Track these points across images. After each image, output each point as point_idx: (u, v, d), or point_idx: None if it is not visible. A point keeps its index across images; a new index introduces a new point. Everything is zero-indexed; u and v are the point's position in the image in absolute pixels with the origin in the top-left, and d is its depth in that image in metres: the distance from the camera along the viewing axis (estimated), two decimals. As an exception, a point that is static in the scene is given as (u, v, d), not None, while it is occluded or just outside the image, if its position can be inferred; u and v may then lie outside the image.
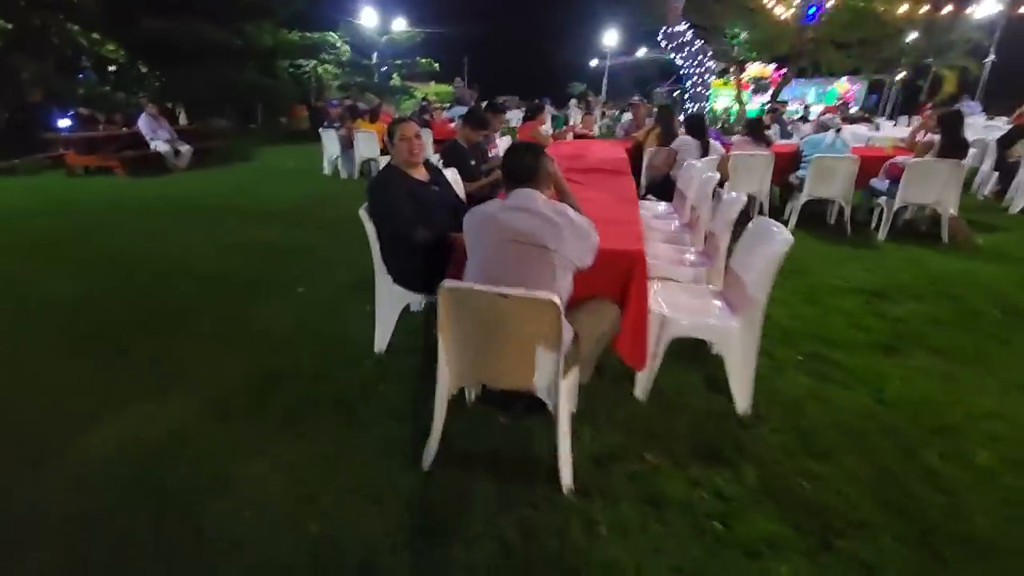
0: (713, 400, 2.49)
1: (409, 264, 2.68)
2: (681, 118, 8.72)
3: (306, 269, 4.22)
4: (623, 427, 2.29)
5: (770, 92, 17.70)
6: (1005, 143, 6.72)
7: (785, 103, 14.15)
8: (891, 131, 8.23)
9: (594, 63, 32.18)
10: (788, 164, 5.42)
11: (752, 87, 19.02)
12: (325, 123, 9.51)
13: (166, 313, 3.47)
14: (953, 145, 4.74)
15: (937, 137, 4.84)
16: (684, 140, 4.71)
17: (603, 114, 16.14)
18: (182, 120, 12.87)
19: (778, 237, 2.20)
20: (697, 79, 8.69)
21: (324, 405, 2.47)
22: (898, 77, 21.33)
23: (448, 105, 14.47)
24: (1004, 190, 6.65)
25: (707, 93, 8.82)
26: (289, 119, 17.17)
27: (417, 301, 2.86)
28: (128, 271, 4.25)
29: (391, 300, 2.81)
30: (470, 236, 1.98)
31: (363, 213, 2.70)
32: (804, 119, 11.49)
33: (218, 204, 6.70)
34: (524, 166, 1.94)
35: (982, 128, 10.53)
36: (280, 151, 12.26)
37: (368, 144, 8.13)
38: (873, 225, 5.32)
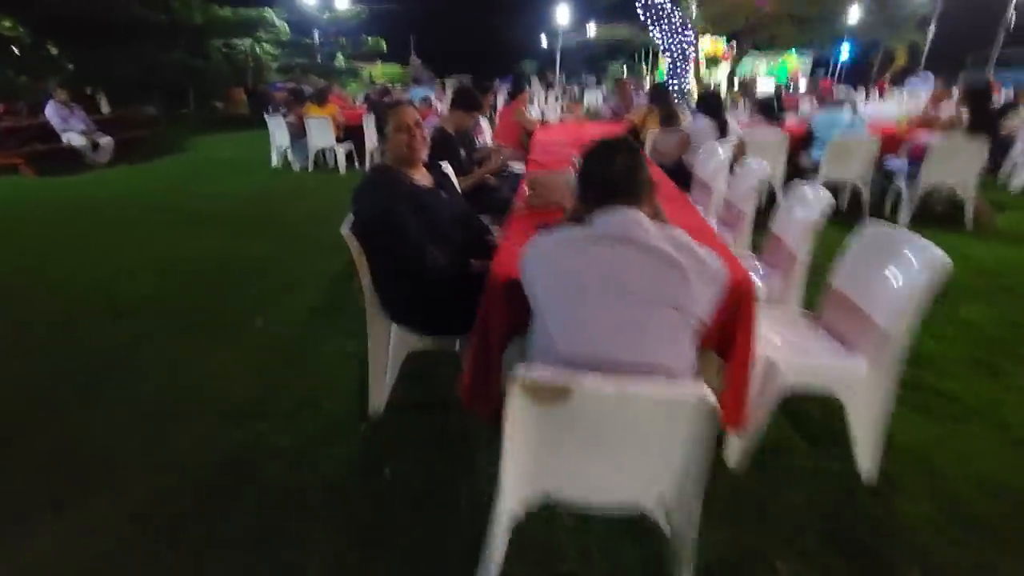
0: (823, 460, 1.95)
1: (417, 299, 2.00)
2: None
3: (263, 292, 3.43)
4: (728, 513, 1.71)
5: (721, 68, 17.49)
6: (996, 117, 6.49)
7: (754, 78, 13.87)
8: (874, 109, 7.95)
9: (544, 41, 31.30)
10: (798, 144, 4.96)
11: (704, 64, 18.75)
12: (269, 108, 8.48)
13: (76, 372, 2.58)
14: (982, 121, 4.37)
15: (963, 113, 4.44)
16: (699, 121, 4.14)
17: (563, 92, 15.51)
18: (104, 108, 11.39)
19: (926, 257, 1.66)
20: (678, 54, 8.16)
21: (309, 511, 1.77)
22: (843, 52, 21.52)
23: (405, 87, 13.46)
24: (996, 166, 6.44)
25: (688, 68, 8.34)
26: (225, 104, 15.72)
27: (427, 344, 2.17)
28: (26, 306, 3.35)
29: (390, 346, 2.12)
30: (538, 282, 1.31)
31: (346, 231, 1.99)
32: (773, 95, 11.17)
33: (148, 207, 5.69)
34: (621, 173, 1.29)
35: (850, 93, 10.46)
36: (217, 140, 11.05)
37: (322, 131, 7.22)
38: (888, 209, 4.95)
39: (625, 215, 1.25)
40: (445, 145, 3.30)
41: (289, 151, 7.61)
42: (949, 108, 5.39)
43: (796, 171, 5.04)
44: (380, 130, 2.05)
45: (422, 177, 2.10)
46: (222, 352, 2.73)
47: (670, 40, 7.92)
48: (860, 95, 13.53)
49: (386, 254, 1.97)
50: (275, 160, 7.88)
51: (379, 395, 2.17)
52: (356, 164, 7.72)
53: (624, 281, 1.19)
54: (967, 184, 4.51)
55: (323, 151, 7.59)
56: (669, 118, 4.72)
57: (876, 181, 5.01)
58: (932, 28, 18.26)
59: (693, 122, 4.21)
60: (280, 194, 6.22)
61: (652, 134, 4.51)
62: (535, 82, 13.96)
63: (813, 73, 23.45)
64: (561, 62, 28.84)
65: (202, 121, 13.58)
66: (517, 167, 4.70)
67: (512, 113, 5.27)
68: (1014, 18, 16.96)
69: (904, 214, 4.66)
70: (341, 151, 7.35)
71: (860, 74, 21.07)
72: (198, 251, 4.22)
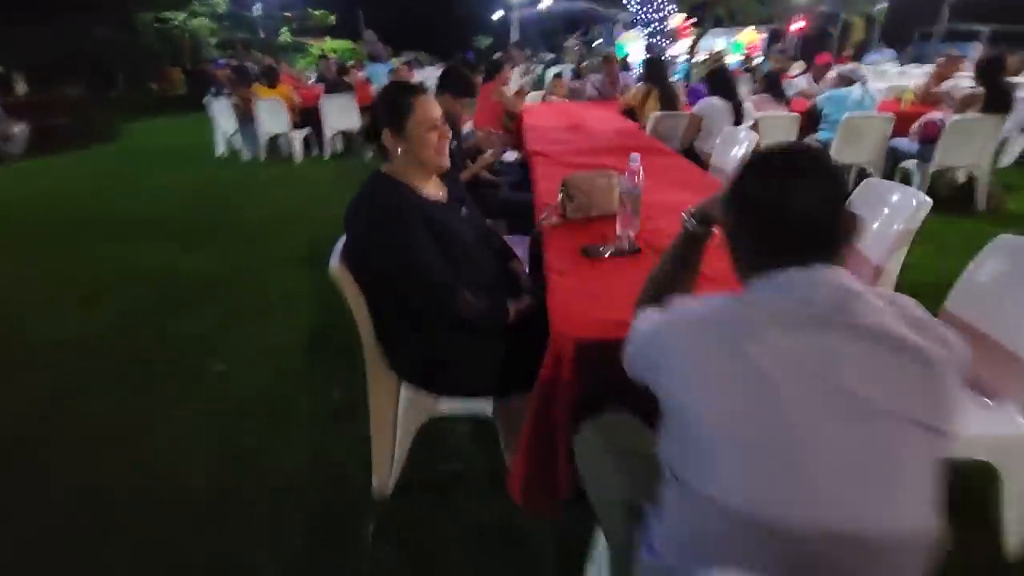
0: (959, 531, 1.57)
1: (439, 355, 1.50)
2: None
3: (218, 323, 2.82)
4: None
5: (679, 43, 17.15)
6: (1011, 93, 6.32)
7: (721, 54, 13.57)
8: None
9: (498, 14, 30.23)
10: (804, 125, 4.60)
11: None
12: (212, 90, 7.58)
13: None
14: (998, 98, 4.10)
15: (979, 89, 4.17)
16: (711, 103, 3.71)
17: (527, 70, 14.83)
18: (20, 89, 10.09)
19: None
20: (657, 25, 7.66)
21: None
22: (795, 26, 21.53)
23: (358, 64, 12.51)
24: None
25: (666, 43, 7.87)
26: (160, 84, 14.40)
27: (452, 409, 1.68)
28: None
29: (401, 411, 1.62)
30: (679, 383, 0.78)
31: (337, 264, 1.46)
32: (747, 70, 10.90)
33: (70, 212, 4.88)
34: (822, 210, 0.81)
35: (897, 75, 10.46)
36: (152, 125, 10.02)
37: (274, 116, 6.45)
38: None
39: (832, 278, 0.79)
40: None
41: (237, 138, 6.81)
42: (950, 83, 5.14)
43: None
44: (391, 124, 1.51)
45: (435, 188, 1.59)
46: (174, 415, 2.15)
47: (647, 9, 7.41)
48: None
49: (399, 298, 1.46)
50: (221, 148, 7.05)
51: (384, 475, 1.67)
52: (315, 151, 6.99)
53: (847, 388, 0.73)
54: (981, 165, 4.28)
55: (276, 138, 6.84)
56: (670, 99, 4.28)
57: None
58: (885, 2, 18.43)
59: (703, 103, 3.77)
60: (230, 190, 5.47)
61: (653, 117, 4.06)
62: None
63: (769, 48, 23.49)
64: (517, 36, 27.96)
65: (134, 104, 12.32)
66: (508, 156, 4.19)
67: (491, 93, 4.71)
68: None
69: (916, 198, 4.40)
70: (298, 138, 6.61)
71: (818, 48, 21.21)
72: (134, 270, 3.51)
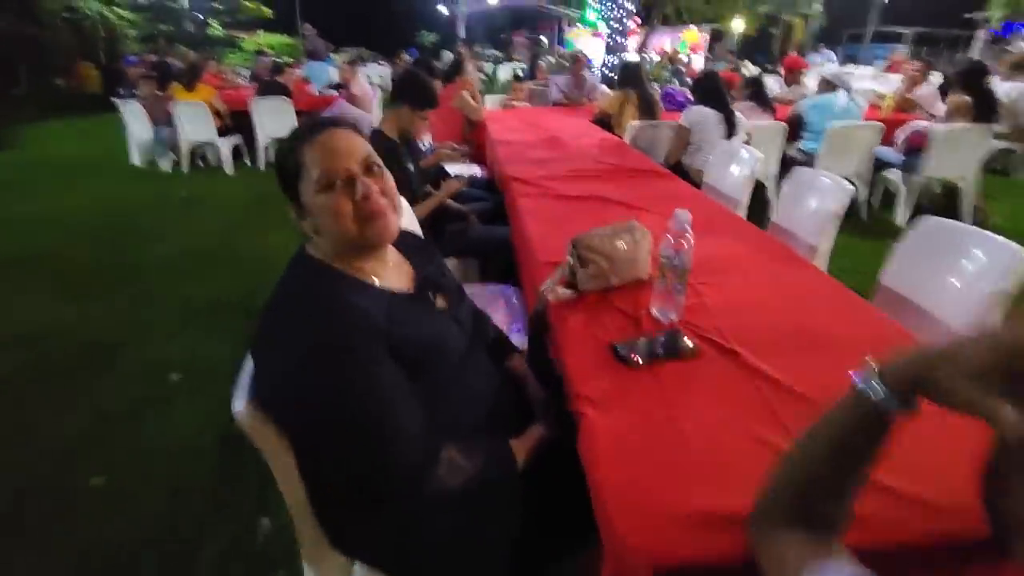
0: None
1: (416, 531, 0.97)
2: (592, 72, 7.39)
3: (103, 413, 2.16)
4: None
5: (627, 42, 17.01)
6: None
7: (676, 52, 13.44)
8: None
9: (443, 9, 29.32)
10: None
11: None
12: (121, 91, 6.67)
13: None
14: (986, 106, 3.90)
15: (964, 97, 3.96)
16: (700, 112, 3.29)
17: (477, 68, 14.24)
18: None
19: None
20: (616, 24, 7.22)
21: None
22: (737, 26, 21.81)
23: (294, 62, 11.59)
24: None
25: (624, 43, 7.45)
26: (69, 82, 12.97)
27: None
28: None
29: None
30: None
31: (245, 412, 0.92)
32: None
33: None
34: None
35: (855, 78, 10.55)
36: (59, 128, 8.89)
37: (196, 121, 5.66)
38: (877, 204, 4.47)
39: None
40: (390, 159, 2.20)
41: (152, 146, 5.96)
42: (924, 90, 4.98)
43: (784, 164, 4.39)
44: (287, 194, 0.98)
45: (392, 272, 1.05)
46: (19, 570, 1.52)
47: (607, 5, 6.95)
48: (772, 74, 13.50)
49: (344, 460, 0.92)
50: (136, 158, 6.17)
51: None
52: (248, 161, 6.22)
53: None
54: (967, 176, 4.08)
55: (203, 147, 6.05)
56: (650, 106, 3.87)
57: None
58: (819, 4, 18.91)
59: (692, 113, 3.36)
60: (140, 213, 4.63)
61: (633, 127, 3.63)
62: (446, 57, 12.63)
63: (712, 49, 23.76)
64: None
65: (39, 104, 10.96)
66: (469, 171, 3.66)
67: (451, 99, 4.17)
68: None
69: (902, 211, 4.17)
70: (226, 147, 5.83)
71: (759, 49, 21.61)
72: (2, 328, 2.78)
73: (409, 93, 2.27)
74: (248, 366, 0.99)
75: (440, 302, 1.10)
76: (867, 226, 4.14)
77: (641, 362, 1.11)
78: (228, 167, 5.89)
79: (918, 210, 4.21)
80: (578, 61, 4.97)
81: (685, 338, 1.18)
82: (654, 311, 1.28)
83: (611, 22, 7.08)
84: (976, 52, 15.94)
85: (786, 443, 0.90)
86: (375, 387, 0.86)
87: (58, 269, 3.48)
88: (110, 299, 3.05)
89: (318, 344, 0.85)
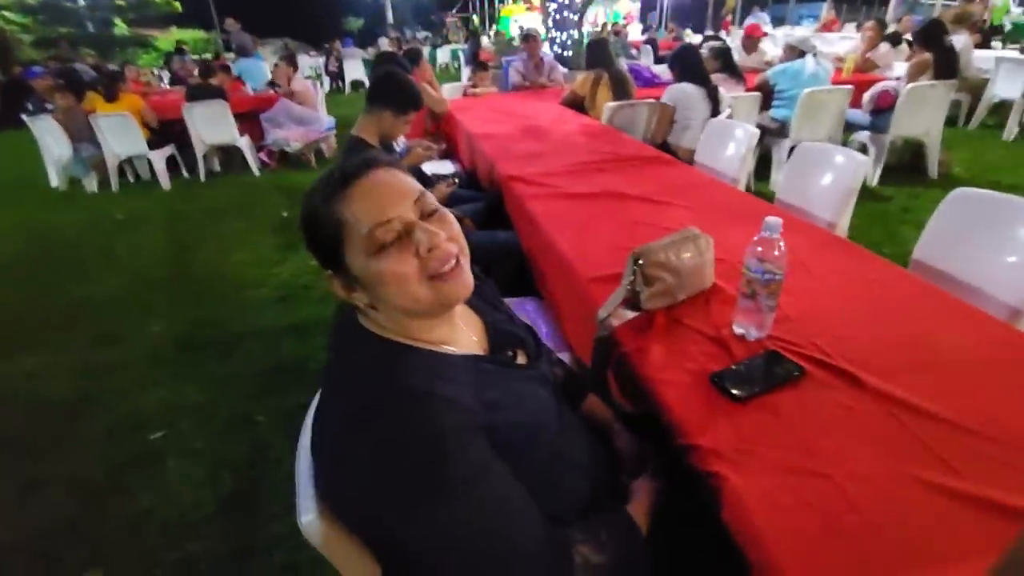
0: None
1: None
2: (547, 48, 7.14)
3: (82, 500, 1.88)
4: None
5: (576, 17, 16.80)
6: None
7: (617, 25, 13.40)
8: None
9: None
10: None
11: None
12: (29, 105, 5.99)
13: None
14: (947, 62, 3.97)
15: (926, 55, 4.01)
16: (683, 89, 3.17)
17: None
18: None
19: None
20: (562, 2, 7.00)
21: None
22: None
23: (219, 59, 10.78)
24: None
25: (574, 18, 7.24)
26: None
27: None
28: None
29: None
30: None
31: (317, 523, 0.73)
32: (649, 40, 10.73)
33: None
34: None
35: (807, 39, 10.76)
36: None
37: (123, 135, 5.12)
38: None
39: None
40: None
41: (71, 164, 5.36)
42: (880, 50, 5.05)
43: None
44: (327, 265, 0.78)
45: (465, 333, 0.87)
46: None
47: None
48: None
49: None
50: (55, 179, 5.56)
51: None
52: (185, 172, 5.72)
53: None
54: (932, 132, 4.17)
55: (131, 160, 5.52)
56: (623, 85, 3.72)
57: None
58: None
59: (674, 91, 3.23)
60: (78, 242, 4.14)
61: (609, 108, 3.48)
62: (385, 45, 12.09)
63: (644, 17, 23.85)
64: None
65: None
66: (442, 168, 3.44)
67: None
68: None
69: (873, 171, 4.22)
70: (159, 159, 5.32)
71: (691, 15, 21.83)
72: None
73: (390, 96, 2.03)
74: (303, 467, 0.79)
75: (520, 358, 0.93)
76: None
77: (751, 395, 0.97)
78: (164, 181, 5.39)
79: (886, 169, 4.29)
80: (533, 40, 4.75)
81: (788, 359, 1.05)
82: (738, 329, 1.15)
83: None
84: (891, 8, 16.59)
85: (959, 484, 0.80)
86: (491, 496, 0.68)
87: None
88: (58, 347, 2.68)
89: (415, 452, 0.66)
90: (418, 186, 0.79)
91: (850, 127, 4.38)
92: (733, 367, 1.05)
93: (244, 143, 5.51)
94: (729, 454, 0.87)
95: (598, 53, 3.82)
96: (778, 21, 19.42)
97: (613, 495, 0.94)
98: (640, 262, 1.21)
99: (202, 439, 2.00)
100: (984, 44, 6.85)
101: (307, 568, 1.45)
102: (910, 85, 3.91)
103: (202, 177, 5.57)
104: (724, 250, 1.37)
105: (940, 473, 0.81)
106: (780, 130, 4.11)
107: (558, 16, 6.88)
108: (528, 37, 4.81)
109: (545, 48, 6.42)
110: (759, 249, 1.07)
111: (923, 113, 4.03)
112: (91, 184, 5.43)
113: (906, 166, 4.49)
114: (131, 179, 5.67)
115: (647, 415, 1.05)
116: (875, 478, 0.82)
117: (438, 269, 0.75)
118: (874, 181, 4.18)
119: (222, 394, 2.24)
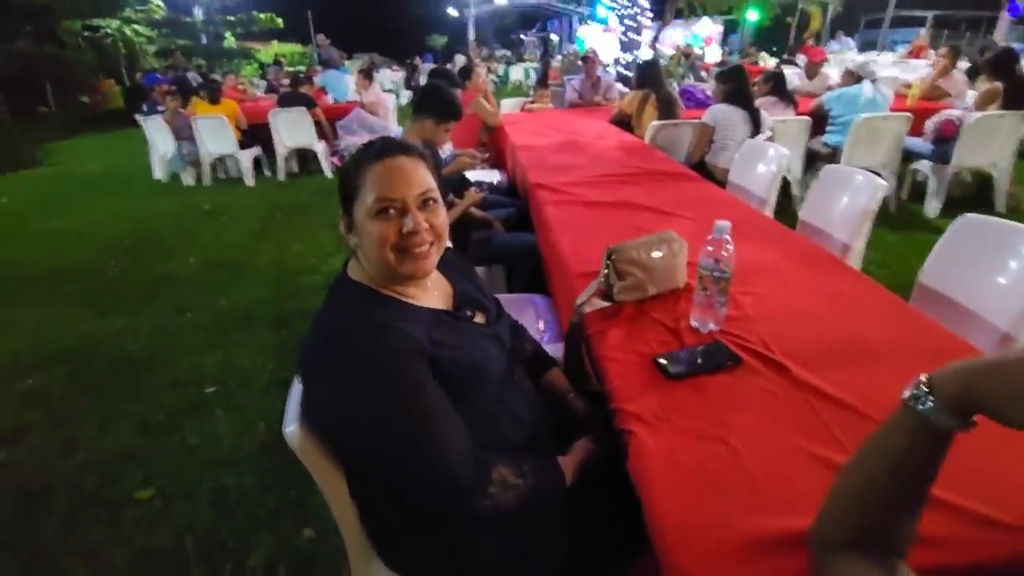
0: None
1: (468, 552, 0.97)
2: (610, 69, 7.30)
3: (144, 425, 2.21)
4: None
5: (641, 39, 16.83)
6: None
7: (690, 47, 13.34)
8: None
9: (453, 12, 29.36)
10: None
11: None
12: (144, 107, 6.81)
13: None
14: (1018, 93, 3.79)
15: (996, 84, 3.86)
16: (724, 111, 3.25)
17: (488, 70, 14.23)
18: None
19: None
20: (629, 21, 7.13)
21: None
22: (752, 16, 21.42)
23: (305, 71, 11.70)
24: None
25: (639, 40, 7.37)
26: (93, 98, 13.28)
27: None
28: None
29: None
30: None
31: (294, 430, 0.92)
32: (721, 63, 10.65)
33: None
34: None
35: (879, 66, 10.32)
36: (85, 144, 9.10)
37: (217, 135, 5.75)
38: (906, 195, 4.35)
39: None
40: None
41: (175, 160, 6.06)
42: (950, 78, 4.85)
43: (808, 159, 4.31)
44: (344, 207, 0.99)
45: (431, 292, 1.05)
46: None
47: (622, 6, 6.88)
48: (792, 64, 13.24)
49: (395, 481, 0.92)
50: (158, 172, 6.30)
51: None
52: (268, 172, 6.31)
53: None
54: (1000, 164, 3.97)
55: (224, 159, 6.15)
56: (669, 106, 3.83)
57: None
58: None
59: (716, 112, 3.31)
60: (166, 227, 4.70)
61: (653, 127, 3.59)
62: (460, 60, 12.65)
63: (726, 40, 23.45)
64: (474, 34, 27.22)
65: (66, 121, 11.26)
66: (490, 176, 3.66)
67: (467, 105, 4.17)
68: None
69: (933, 202, 4.07)
70: (246, 158, 5.92)
71: (775, 39, 21.26)
72: (30, 350, 2.82)
73: (431, 106, 2.28)
74: (296, 389, 0.99)
75: (479, 318, 1.10)
76: (896, 219, 4.05)
77: (685, 374, 1.10)
78: (249, 179, 5.97)
79: (948, 201, 4.12)
80: (590, 61, 4.93)
81: (729, 350, 1.16)
82: (694, 322, 1.27)
83: (624, 19, 6.98)
84: (1000, 33, 15.51)
85: (843, 459, 0.89)
86: (422, 407, 0.86)
87: (89, 283, 3.56)
88: (142, 313, 3.11)
89: (365, 368, 0.85)
90: (429, 181, 0.98)
91: (911, 156, 4.24)
92: (677, 352, 1.18)
93: (319, 148, 6.01)
94: (648, 418, 1.00)
95: (649, 73, 3.95)
96: (869, 46, 18.62)
97: (553, 449, 1.08)
98: (613, 257, 1.36)
99: (247, 396, 2.30)
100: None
101: (317, 499, 1.67)
102: (977, 114, 3.77)
103: (281, 176, 6.11)
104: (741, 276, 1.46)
105: (830, 449, 0.91)
106: (832, 156, 4.05)
107: (624, 39, 7.05)
108: (586, 58, 4.99)
109: (612, 69, 6.58)
110: (710, 249, 1.20)
111: (991, 144, 3.86)
112: (188, 178, 6.11)
113: (972, 199, 4.29)
114: (222, 175, 6.31)
115: (598, 390, 1.19)
116: (768, 448, 0.92)
117: (409, 248, 0.94)
118: (933, 212, 4.03)
119: (268, 361, 2.54)
